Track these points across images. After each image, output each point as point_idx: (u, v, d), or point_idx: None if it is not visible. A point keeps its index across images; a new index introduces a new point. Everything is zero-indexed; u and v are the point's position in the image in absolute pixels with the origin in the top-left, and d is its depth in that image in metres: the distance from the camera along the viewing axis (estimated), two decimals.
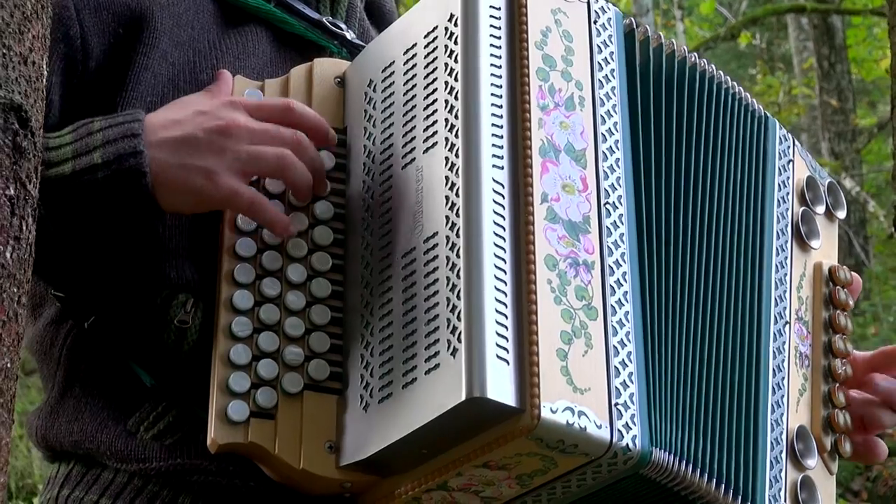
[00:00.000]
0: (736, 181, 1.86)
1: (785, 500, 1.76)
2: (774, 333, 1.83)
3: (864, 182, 13.31)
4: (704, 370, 1.71)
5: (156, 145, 1.65)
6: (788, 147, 1.96)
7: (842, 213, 2.03)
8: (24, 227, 1.24)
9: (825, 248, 1.98)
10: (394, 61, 1.74)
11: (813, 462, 1.81)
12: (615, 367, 1.57)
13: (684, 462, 1.62)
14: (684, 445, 1.63)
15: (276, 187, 1.72)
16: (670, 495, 1.65)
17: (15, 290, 1.22)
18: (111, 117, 1.68)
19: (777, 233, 1.90)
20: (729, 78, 1.90)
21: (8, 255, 1.21)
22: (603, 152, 1.68)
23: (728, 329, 1.78)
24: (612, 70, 1.74)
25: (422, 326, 1.57)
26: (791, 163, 1.96)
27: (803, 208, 1.96)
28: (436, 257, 1.58)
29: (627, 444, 1.54)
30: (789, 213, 1.93)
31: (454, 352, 1.51)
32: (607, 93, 1.72)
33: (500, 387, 1.49)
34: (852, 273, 2.00)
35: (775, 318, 1.84)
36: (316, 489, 1.65)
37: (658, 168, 1.76)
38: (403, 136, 1.69)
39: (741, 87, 1.92)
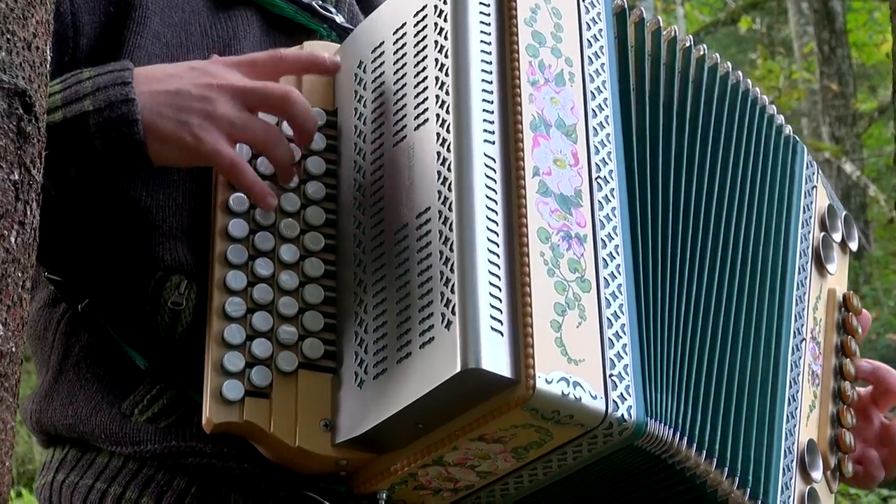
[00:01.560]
0: (758, 185, 1.88)
1: None
2: (793, 347, 1.85)
3: (864, 166, 13.32)
4: (707, 347, 1.72)
5: (147, 95, 1.63)
6: (813, 173, 2.00)
7: (854, 245, 2.07)
8: (29, 212, 1.24)
9: (839, 276, 2.02)
10: (383, 41, 1.74)
11: (819, 476, 1.83)
12: (609, 338, 1.57)
13: (679, 434, 1.63)
14: (679, 418, 1.63)
15: (267, 169, 1.72)
16: (664, 468, 1.65)
17: (20, 274, 1.22)
18: (100, 66, 1.66)
19: (800, 252, 1.93)
20: (759, 90, 1.93)
21: (13, 239, 1.21)
22: (593, 127, 1.67)
23: (743, 318, 1.80)
24: (602, 47, 1.74)
25: (416, 301, 1.56)
26: (815, 189, 2.00)
27: (823, 234, 1.99)
28: (428, 232, 1.58)
29: (623, 415, 1.54)
30: (811, 235, 1.97)
31: (448, 324, 1.51)
32: (597, 69, 1.72)
33: (495, 358, 1.49)
34: (862, 307, 2.04)
35: (794, 332, 1.86)
36: (311, 467, 1.64)
37: (654, 148, 1.76)
38: (394, 114, 1.69)
39: (765, 99, 1.95)
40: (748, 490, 1.70)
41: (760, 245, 1.86)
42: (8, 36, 1.21)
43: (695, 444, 1.64)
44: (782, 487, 1.75)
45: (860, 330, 2.00)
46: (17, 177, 1.22)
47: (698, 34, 13.61)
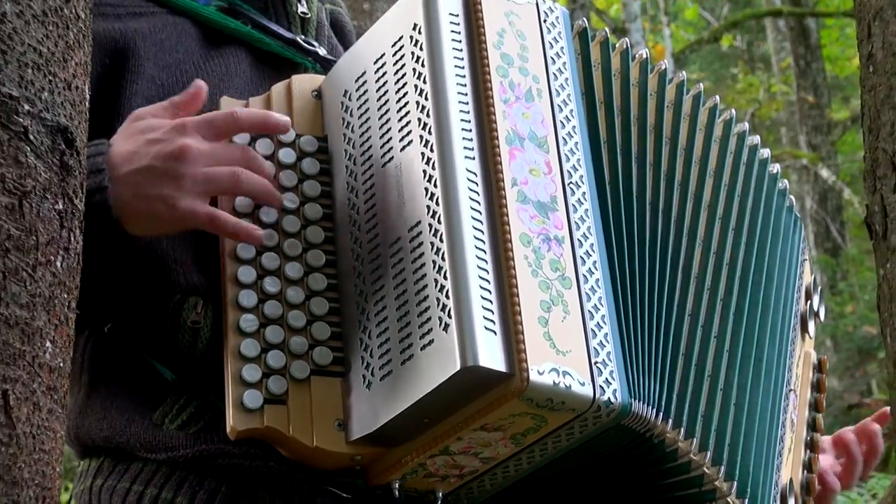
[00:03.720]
0: (768, 228, 1.92)
1: None
2: (785, 393, 1.89)
3: (839, 171, 13.29)
4: (685, 333, 1.73)
5: (119, 179, 1.62)
6: (804, 248, 2.05)
7: (823, 314, 2.11)
8: (73, 239, 1.24)
9: (809, 342, 2.06)
10: (365, 71, 1.75)
11: None
12: (591, 329, 1.57)
13: (661, 414, 1.64)
14: (661, 400, 1.64)
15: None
16: (651, 447, 1.66)
17: (66, 296, 1.23)
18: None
19: (794, 312, 1.98)
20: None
21: (58, 264, 1.22)
22: (563, 137, 1.68)
23: (732, 317, 1.81)
24: (564, 63, 1.74)
25: (414, 307, 1.57)
26: (806, 262, 2.06)
27: (809, 302, 2.04)
28: (421, 244, 1.59)
29: (609, 398, 1.55)
30: (800, 301, 2.01)
31: (446, 327, 1.52)
32: (562, 84, 1.73)
33: (491, 355, 1.50)
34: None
35: (787, 380, 1.91)
36: (329, 464, 1.65)
37: (626, 151, 1.77)
38: (381, 137, 1.69)
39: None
40: (724, 471, 1.71)
41: (753, 256, 1.87)
42: (50, 77, 1.22)
43: (670, 421, 1.65)
44: (768, 481, 1.77)
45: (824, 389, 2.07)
46: (61, 206, 1.22)
47: (684, 52, 13.60)
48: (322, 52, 1.92)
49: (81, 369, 1.80)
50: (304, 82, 1.83)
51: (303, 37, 1.92)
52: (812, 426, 1.99)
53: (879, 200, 1.39)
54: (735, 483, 1.70)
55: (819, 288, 2.10)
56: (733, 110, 1.95)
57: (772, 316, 1.88)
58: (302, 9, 1.95)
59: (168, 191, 1.62)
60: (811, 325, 2.05)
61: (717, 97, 1.92)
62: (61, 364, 1.21)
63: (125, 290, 1.74)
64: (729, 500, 1.70)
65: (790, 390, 1.91)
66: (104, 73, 1.77)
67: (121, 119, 1.74)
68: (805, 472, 1.94)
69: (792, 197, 2.03)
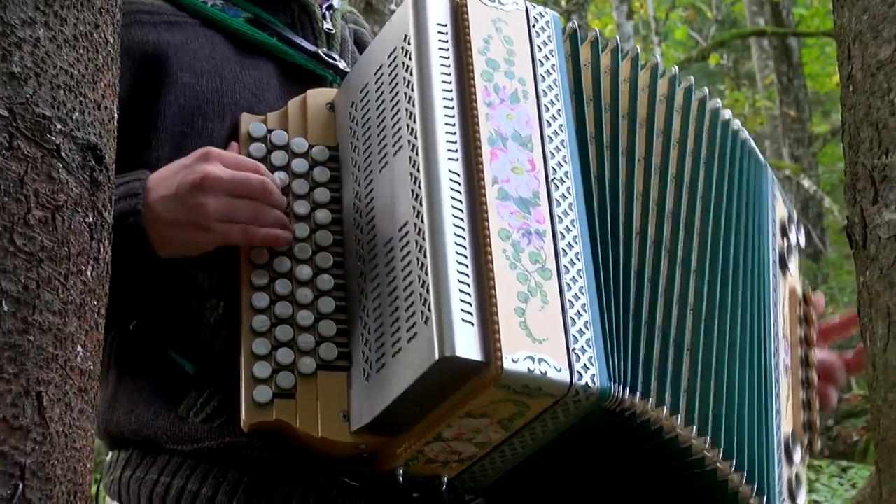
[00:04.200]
0: (738, 189, 1.87)
1: (785, 494, 1.79)
2: (774, 348, 1.86)
3: (820, 181, 13.27)
4: (668, 322, 1.71)
5: (152, 204, 1.66)
6: (774, 186, 1.99)
7: (803, 241, 2.06)
8: (102, 249, 1.25)
9: (794, 274, 2.02)
10: (367, 83, 1.77)
11: (798, 458, 1.84)
12: (571, 317, 1.57)
13: (643, 395, 1.62)
14: (642, 382, 1.63)
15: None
16: (637, 428, 1.65)
17: (95, 303, 1.23)
18: (121, 176, 1.68)
19: (772, 260, 1.93)
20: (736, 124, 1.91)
21: (89, 273, 1.22)
22: (549, 136, 1.68)
23: (717, 300, 1.78)
24: (553, 65, 1.74)
25: (402, 303, 1.59)
26: (776, 199, 2.00)
27: (786, 240, 2.00)
28: (408, 243, 1.60)
29: (587, 383, 1.54)
30: (777, 243, 1.97)
31: (427, 320, 1.53)
32: (549, 84, 1.72)
33: (467, 345, 1.51)
34: (818, 293, 2.04)
35: (774, 333, 1.87)
36: (336, 453, 1.67)
37: (614, 146, 1.76)
38: (379, 143, 1.71)
39: (705, 90, 1.91)
40: (710, 440, 1.69)
41: (732, 235, 1.84)
42: (81, 98, 1.23)
43: (651, 400, 1.64)
44: (777, 477, 1.77)
45: (816, 318, 2.01)
46: (91, 219, 1.23)
47: None
48: (342, 65, 1.94)
49: (109, 365, 1.82)
50: (318, 96, 1.85)
51: (325, 50, 1.94)
52: (805, 362, 1.96)
53: (859, 212, 1.39)
54: (722, 450, 1.69)
55: (795, 219, 2.05)
56: (718, 100, 1.93)
57: (751, 279, 1.85)
58: (327, 25, 1.97)
59: (194, 217, 1.65)
60: (792, 261, 2.00)
61: (707, 89, 1.90)
62: (91, 367, 1.22)
63: (150, 292, 1.76)
64: (718, 464, 1.69)
65: (779, 338, 1.88)
66: (138, 84, 1.78)
67: (155, 128, 1.76)
68: (805, 411, 1.91)
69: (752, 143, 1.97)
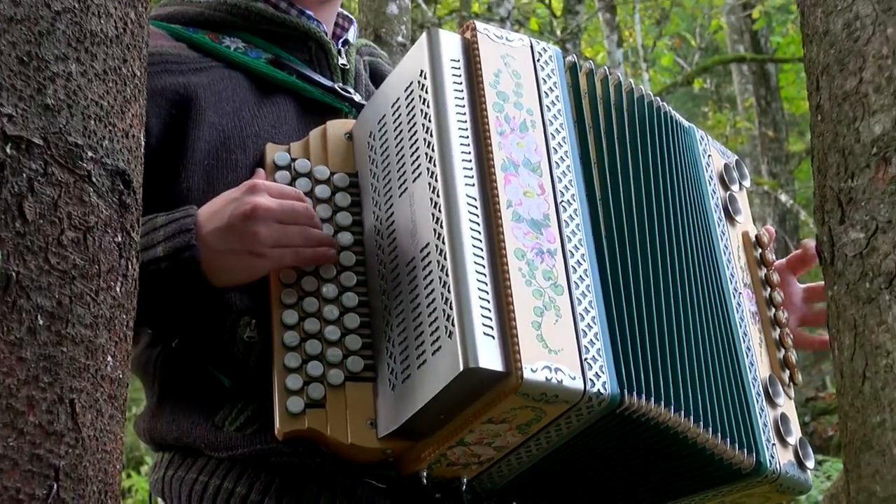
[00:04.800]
0: (683, 179, 1.89)
1: (773, 438, 1.78)
2: (736, 305, 1.86)
3: (796, 196, 13.27)
4: (668, 323, 1.72)
5: (205, 237, 1.69)
6: (707, 145, 2.01)
7: (747, 182, 2.06)
8: (130, 267, 1.26)
9: (745, 219, 2.01)
10: (385, 114, 1.80)
11: (782, 399, 1.83)
12: (582, 329, 1.59)
13: (653, 399, 1.63)
14: (652, 386, 1.64)
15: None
16: (648, 429, 1.65)
17: (124, 316, 1.24)
18: (171, 214, 1.73)
19: (717, 219, 1.93)
20: (661, 102, 1.93)
21: (118, 289, 1.23)
22: (555, 161, 1.71)
23: (693, 295, 1.78)
24: (557, 96, 1.77)
25: (426, 318, 1.61)
26: (710, 157, 2.01)
27: (728, 192, 2.00)
28: (430, 263, 1.62)
29: (599, 390, 1.56)
30: (717, 197, 1.97)
31: (450, 334, 1.55)
32: (554, 114, 1.75)
33: (489, 357, 1.53)
34: (767, 228, 2.03)
35: (733, 292, 1.87)
36: (364, 458, 1.69)
37: (613, 169, 1.78)
38: (398, 170, 1.74)
39: (672, 109, 1.95)
40: (726, 438, 1.70)
41: (691, 227, 1.85)
42: (110, 128, 1.24)
43: (671, 407, 1.65)
44: (763, 428, 1.76)
45: (773, 256, 1.99)
46: (119, 239, 1.24)
47: (661, 93, 13.59)
48: (357, 98, 1.97)
49: (154, 379, 1.87)
50: (338, 126, 1.89)
51: (341, 84, 1.96)
52: (770, 302, 1.95)
53: (828, 231, 1.39)
54: (716, 432, 1.69)
55: (733, 161, 2.04)
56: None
57: (700, 254, 1.83)
58: (342, 61, 2.00)
59: (249, 245, 1.69)
60: (739, 204, 1.98)
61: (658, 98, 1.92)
62: (121, 376, 1.23)
63: (190, 312, 1.79)
64: (715, 443, 1.69)
65: (739, 291, 1.87)
66: (171, 122, 1.83)
67: (184, 161, 1.80)
68: (779, 349, 1.90)
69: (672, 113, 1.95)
